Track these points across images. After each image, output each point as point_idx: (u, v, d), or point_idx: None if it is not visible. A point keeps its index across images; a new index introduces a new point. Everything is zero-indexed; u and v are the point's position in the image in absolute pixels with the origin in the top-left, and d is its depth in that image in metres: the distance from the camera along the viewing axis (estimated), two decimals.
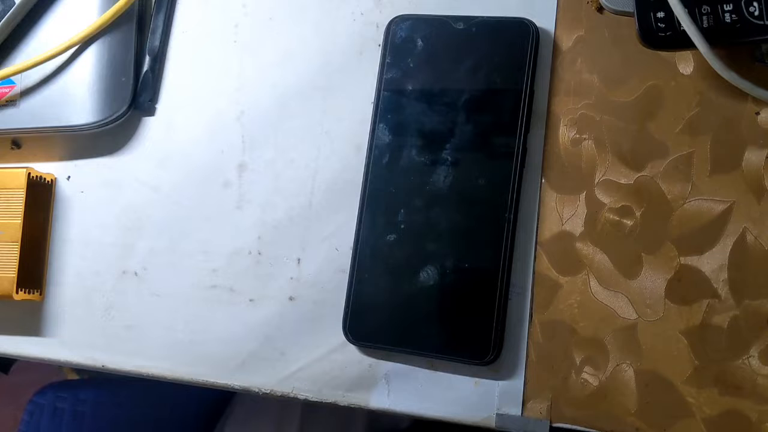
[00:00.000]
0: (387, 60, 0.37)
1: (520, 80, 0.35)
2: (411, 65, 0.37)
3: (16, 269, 0.38)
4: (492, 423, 0.34)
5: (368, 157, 0.36)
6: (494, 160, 0.35)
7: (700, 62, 0.34)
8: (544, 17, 0.36)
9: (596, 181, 0.35)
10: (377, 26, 0.39)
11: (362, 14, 0.39)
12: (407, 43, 0.37)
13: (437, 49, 0.36)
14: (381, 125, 0.37)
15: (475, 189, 0.35)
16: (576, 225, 0.35)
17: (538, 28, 0.35)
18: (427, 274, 0.35)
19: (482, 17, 0.36)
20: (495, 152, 0.35)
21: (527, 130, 0.35)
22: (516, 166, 0.34)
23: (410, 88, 0.36)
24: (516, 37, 0.35)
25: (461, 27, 0.36)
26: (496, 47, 0.36)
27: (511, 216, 0.34)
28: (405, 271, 0.35)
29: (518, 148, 0.35)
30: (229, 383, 0.38)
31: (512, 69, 0.35)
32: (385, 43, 0.37)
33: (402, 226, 0.35)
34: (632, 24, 0.31)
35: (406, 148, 0.36)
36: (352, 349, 0.36)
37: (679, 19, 0.29)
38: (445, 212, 0.35)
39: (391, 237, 0.35)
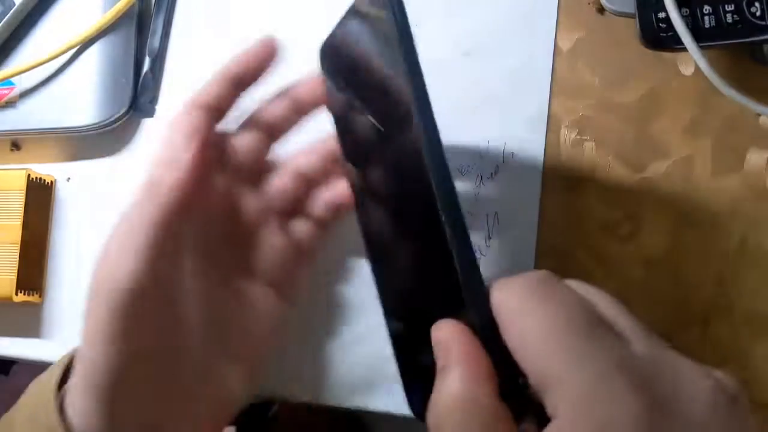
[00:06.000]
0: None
1: (398, 60, 0.25)
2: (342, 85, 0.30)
3: (16, 271, 0.38)
4: None
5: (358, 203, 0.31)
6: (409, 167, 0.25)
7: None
8: (545, 18, 0.36)
9: (597, 182, 0.35)
10: None
11: None
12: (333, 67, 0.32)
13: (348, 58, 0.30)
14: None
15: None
16: (577, 227, 0.34)
17: None
18: None
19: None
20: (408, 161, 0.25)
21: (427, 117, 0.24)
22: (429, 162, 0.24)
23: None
24: (378, 13, 0.26)
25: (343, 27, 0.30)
26: (369, 33, 0.28)
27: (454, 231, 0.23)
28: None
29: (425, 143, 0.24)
30: None
31: (389, 52, 0.26)
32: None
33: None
34: (633, 25, 0.31)
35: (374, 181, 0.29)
36: (352, 352, 0.36)
37: (677, 30, 0.29)
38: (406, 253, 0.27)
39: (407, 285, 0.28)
